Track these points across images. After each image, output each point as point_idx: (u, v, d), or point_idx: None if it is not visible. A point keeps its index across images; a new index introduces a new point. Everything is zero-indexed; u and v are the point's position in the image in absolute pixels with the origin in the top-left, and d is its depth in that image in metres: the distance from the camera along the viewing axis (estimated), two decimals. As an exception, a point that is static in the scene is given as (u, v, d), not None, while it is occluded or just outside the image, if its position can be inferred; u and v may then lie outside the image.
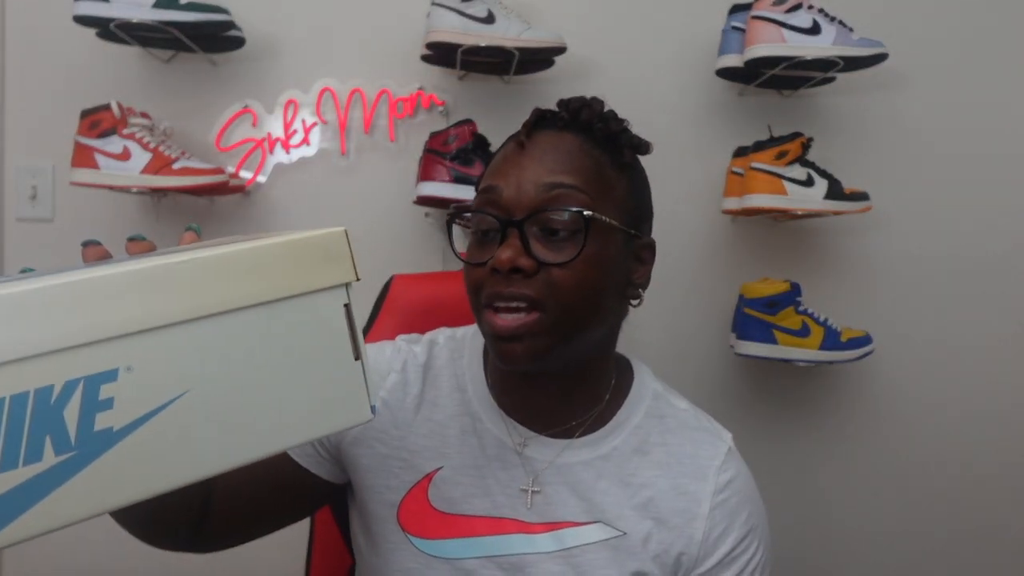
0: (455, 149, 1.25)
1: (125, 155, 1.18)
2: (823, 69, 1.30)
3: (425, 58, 1.32)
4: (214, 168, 1.23)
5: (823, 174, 1.28)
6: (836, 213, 1.28)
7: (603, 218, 0.64)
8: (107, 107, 1.19)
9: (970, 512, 1.49)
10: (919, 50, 1.42)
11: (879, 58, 1.27)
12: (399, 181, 1.38)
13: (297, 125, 1.36)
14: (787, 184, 1.25)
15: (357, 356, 0.45)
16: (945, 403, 1.47)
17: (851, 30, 1.26)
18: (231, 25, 1.23)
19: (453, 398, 0.73)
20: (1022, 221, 1.46)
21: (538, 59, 1.31)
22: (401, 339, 0.78)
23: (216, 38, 1.26)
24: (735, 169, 1.33)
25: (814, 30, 1.24)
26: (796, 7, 1.24)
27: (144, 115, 1.24)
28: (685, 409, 0.75)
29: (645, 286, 0.71)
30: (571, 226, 0.63)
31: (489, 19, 1.23)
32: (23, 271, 0.48)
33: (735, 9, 1.32)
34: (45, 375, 0.35)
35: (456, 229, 0.70)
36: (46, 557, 1.34)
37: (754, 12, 1.25)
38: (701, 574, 0.69)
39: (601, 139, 0.67)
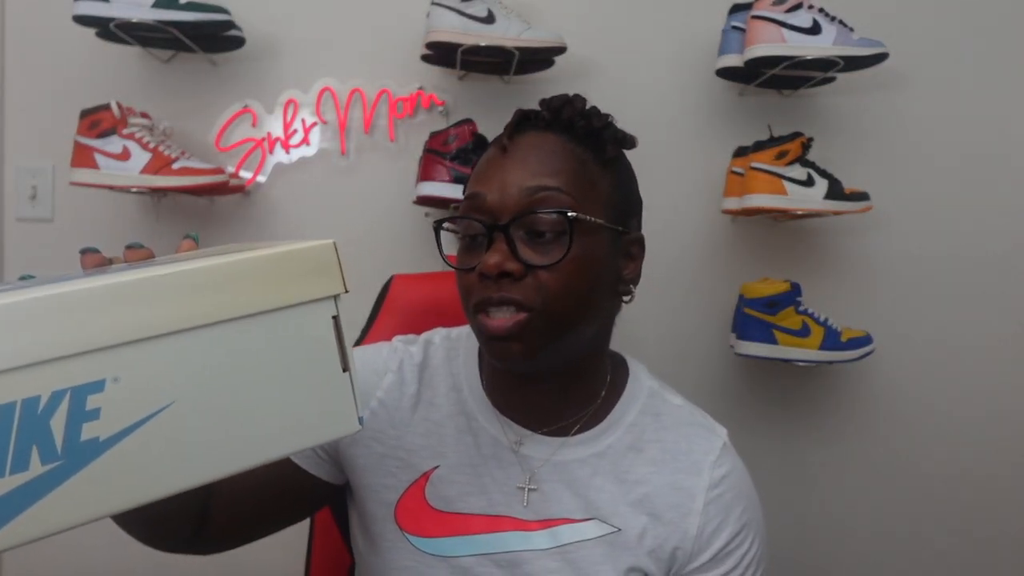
0: (455, 149, 1.25)
1: (125, 155, 1.19)
2: (823, 69, 1.30)
3: (425, 58, 1.32)
4: (214, 168, 1.23)
5: (823, 174, 1.28)
6: (836, 213, 1.27)
7: (588, 218, 0.64)
8: (107, 107, 1.19)
9: (970, 512, 1.49)
10: (919, 50, 1.42)
11: (879, 58, 1.26)
12: (399, 181, 1.38)
13: (297, 125, 1.36)
14: (787, 184, 1.25)
15: (345, 368, 0.45)
16: (945, 403, 1.47)
17: (851, 30, 1.26)
18: (231, 25, 1.23)
19: (449, 398, 0.74)
20: (1022, 221, 1.45)
21: (538, 59, 1.31)
22: (397, 339, 0.78)
23: (216, 38, 1.26)
24: (735, 169, 1.33)
25: (814, 30, 1.24)
26: (796, 7, 1.24)
27: (144, 115, 1.24)
28: (680, 405, 0.75)
29: (636, 281, 0.71)
30: (556, 228, 0.63)
31: (489, 19, 1.22)
32: (23, 278, 0.49)
33: (735, 9, 1.32)
34: (32, 385, 0.36)
35: (445, 233, 0.70)
36: (46, 557, 1.35)
37: (754, 12, 1.25)
38: (696, 568, 0.69)
39: (584, 136, 0.67)
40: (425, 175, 1.26)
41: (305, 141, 1.36)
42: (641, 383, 0.75)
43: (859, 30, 1.27)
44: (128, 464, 0.38)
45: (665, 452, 0.71)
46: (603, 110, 0.70)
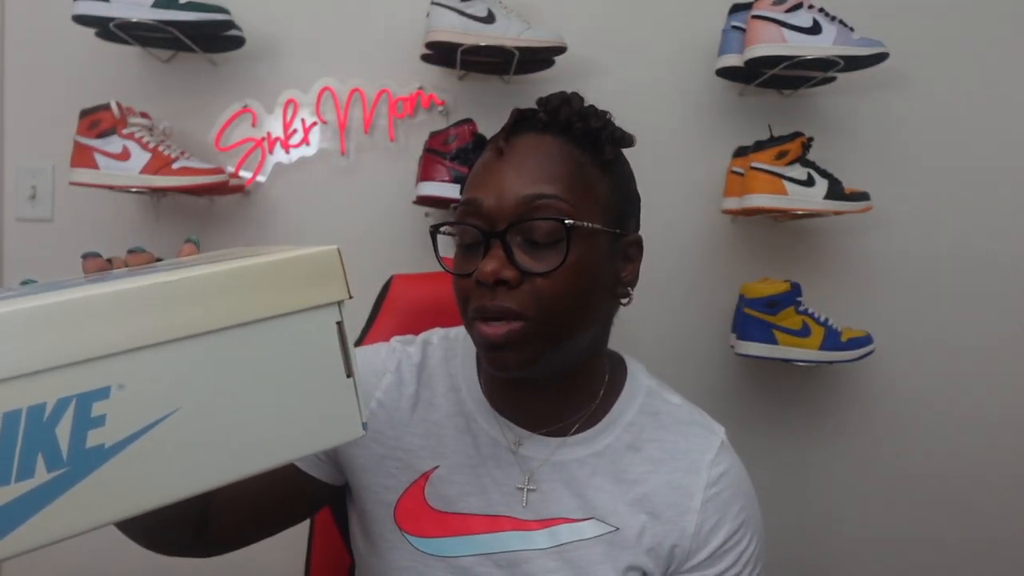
0: (455, 149, 1.25)
1: (124, 155, 1.18)
2: (823, 69, 1.30)
3: (425, 58, 1.32)
4: (213, 168, 1.22)
5: (823, 174, 1.28)
6: (836, 213, 1.27)
7: (585, 224, 0.63)
8: (107, 107, 1.19)
9: (969, 512, 1.49)
10: (919, 50, 1.41)
11: (879, 58, 1.26)
12: (399, 181, 1.38)
13: (297, 125, 1.36)
14: (787, 184, 1.25)
15: (349, 373, 0.45)
16: (945, 403, 1.47)
17: (851, 30, 1.26)
18: (231, 25, 1.23)
19: (448, 398, 0.74)
20: (1022, 221, 1.45)
21: (538, 59, 1.30)
22: (395, 340, 0.78)
23: (216, 38, 1.26)
24: (735, 169, 1.33)
25: (814, 30, 1.24)
26: (796, 7, 1.24)
27: (144, 115, 1.24)
28: (678, 404, 0.75)
29: (634, 283, 0.70)
30: (553, 235, 0.63)
31: (489, 19, 1.22)
32: (24, 282, 0.49)
33: (735, 9, 1.32)
34: (38, 393, 0.36)
35: (442, 237, 0.70)
36: (47, 557, 1.35)
37: (754, 12, 1.25)
38: (694, 566, 0.69)
39: (581, 138, 0.67)
40: (425, 175, 1.26)
41: (305, 141, 1.36)
42: (639, 382, 0.75)
43: (859, 30, 1.27)
44: (133, 471, 0.38)
45: (663, 451, 0.71)
46: (601, 109, 0.70)
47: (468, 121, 1.26)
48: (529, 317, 0.62)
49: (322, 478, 0.74)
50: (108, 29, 1.19)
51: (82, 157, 1.18)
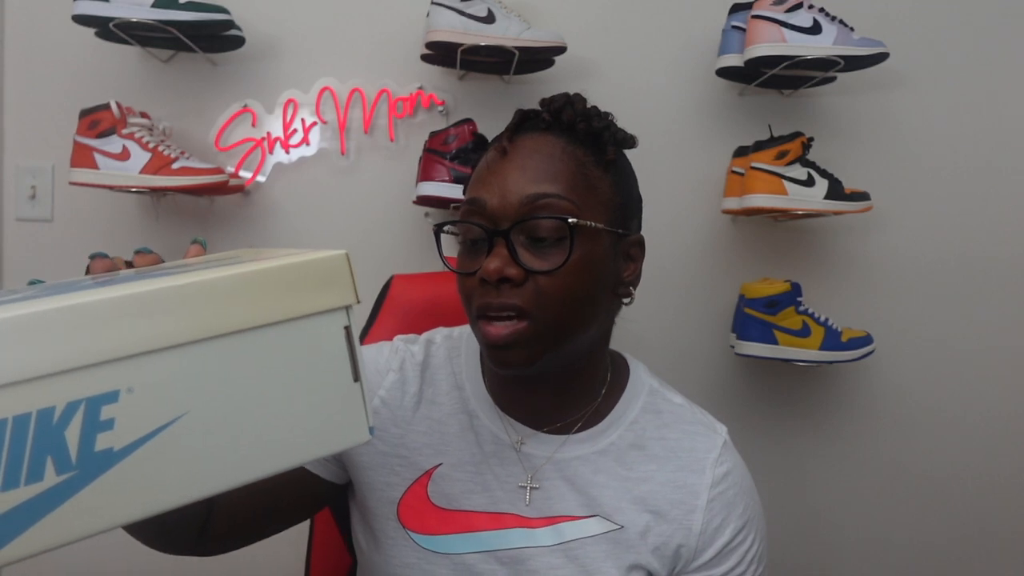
0: (455, 149, 1.25)
1: (124, 155, 1.18)
2: (823, 69, 1.30)
3: (425, 58, 1.32)
4: (213, 168, 1.22)
5: (823, 174, 1.28)
6: (836, 213, 1.28)
7: (588, 223, 0.64)
8: (106, 107, 1.19)
9: (969, 512, 1.49)
10: (919, 50, 1.42)
11: (879, 58, 1.26)
12: (399, 181, 1.38)
13: (297, 125, 1.36)
14: (787, 184, 1.25)
15: (356, 377, 0.45)
16: (945, 403, 1.47)
17: (852, 30, 1.26)
18: (231, 25, 1.23)
19: (451, 396, 0.74)
20: (1022, 221, 1.46)
21: (538, 59, 1.30)
22: (399, 339, 0.79)
23: (216, 38, 1.26)
24: (735, 169, 1.33)
25: (814, 30, 1.24)
26: (796, 7, 1.24)
27: (143, 115, 1.24)
28: (680, 404, 0.75)
29: (636, 283, 0.71)
30: (557, 234, 0.63)
31: (489, 19, 1.22)
32: (31, 282, 0.48)
33: (735, 9, 1.32)
34: (47, 396, 0.36)
35: (445, 236, 0.70)
36: (47, 557, 1.34)
37: (754, 12, 1.25)
38: (700, 566, 0.69)
39: (584, 138, 0.67)
40: (425, 175, 1.26)
41: (305, 141, 1.36)
42: (642, 381, 0.76)
43: (859, 30, 1.27)
44: (142, 474, 0.38)
45: (667, 450, 0.71)
46: (603, 110, 0.70)
47: (468, 121, 1.26)
48: (532, 315, 0.63)
49: (327, 477, 0.75)
50: (108, 29, 1.19)
51: (82, 157, 1.18)
